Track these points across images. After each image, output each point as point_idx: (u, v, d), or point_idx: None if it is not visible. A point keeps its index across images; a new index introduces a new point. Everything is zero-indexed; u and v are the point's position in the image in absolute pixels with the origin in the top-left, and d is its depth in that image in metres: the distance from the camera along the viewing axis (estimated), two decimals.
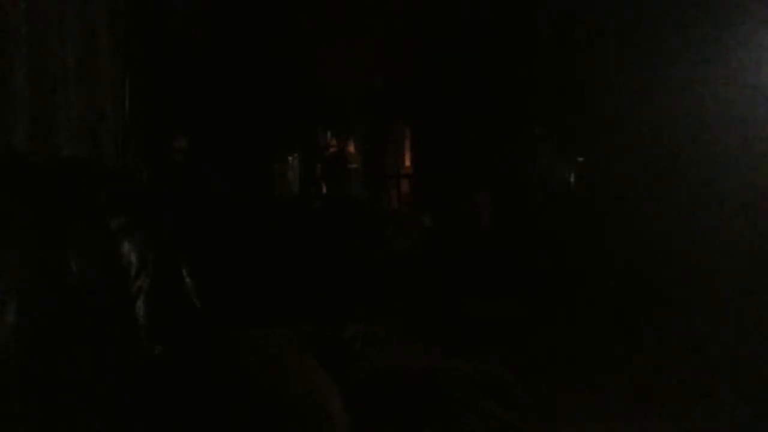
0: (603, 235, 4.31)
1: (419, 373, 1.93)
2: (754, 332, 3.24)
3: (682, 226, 3.93)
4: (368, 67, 5.07)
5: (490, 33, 4.91)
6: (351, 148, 5.71)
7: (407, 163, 5.77)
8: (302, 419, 1.36)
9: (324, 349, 1.75)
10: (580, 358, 3.27)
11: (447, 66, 5.09)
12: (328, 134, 5.61)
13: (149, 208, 1.51)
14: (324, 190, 5.22)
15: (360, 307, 3.36)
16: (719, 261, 3.71)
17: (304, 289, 3.54)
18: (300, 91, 5.00)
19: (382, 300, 3.69)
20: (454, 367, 2.00)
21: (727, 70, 3.76)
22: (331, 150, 5.58)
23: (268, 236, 3.86)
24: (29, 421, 1.17)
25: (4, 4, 1.91)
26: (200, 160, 3.97)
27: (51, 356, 1.21)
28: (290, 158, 5.32)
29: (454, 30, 4.95)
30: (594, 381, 3.00)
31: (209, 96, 4.00)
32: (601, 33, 4.31)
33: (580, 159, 4.82)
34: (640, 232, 4.11)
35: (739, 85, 3.73)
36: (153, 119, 2.65)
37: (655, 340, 3.42)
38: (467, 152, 5.15)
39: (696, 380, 2.94)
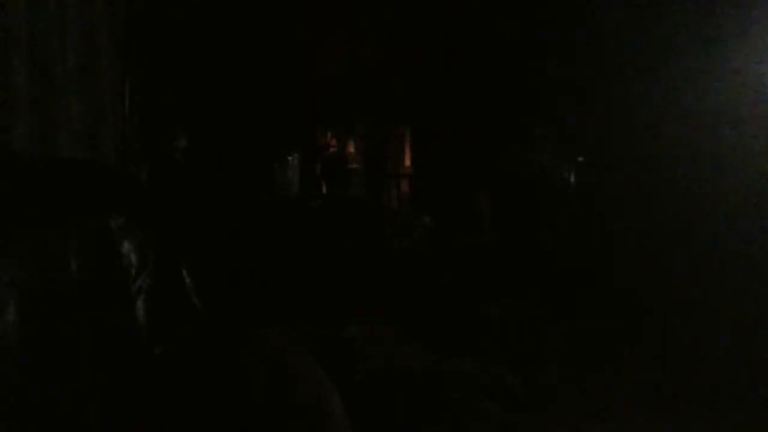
0: (603, 235, 4.31)
1: (419, 374, 1.93)
2: (755, 332, 3.24)
3: (683, 226, 3.93)
4: (368, 66, 5.06)
5: (491, 32, 4.91)
6: (351, 148, 5.71)
7: (407, 163, 5.77)
8: (302, 419, 1.36)
9: (324, 349, 1.75)
10: (581, 358, 3.27)
11: (447, 66, 5.09)
12: (328, 134, 5.61)
13: (149, 208, 1.51)
14: (324, 190, 5.22)
15: (360, 307, 3.35)
16: (720, 260, 3.71)
17: (304, 288, 3.54)
18: (300, 90, 5.00)
19: (382, 300, 3.69)
20: (454, 367, 2.00)
21: (728, 69, 3.76)
22: (331, 150, 5.58)
23: (268, 236, 3.86)
24: (29, 421, 1.17)
25: (4, 4, 1.91)
26: (200, 160, 3.97)
27: (51, 356, 1.21)
28: (290, 158, 5.32)
29: (454, 29, 4.95)
30: (594, 381, 3.00)
31: (209, 96, 4.00)
32: (601, 31, 4.31)
33: (580, 159, 4.82)
34: (641, 231, 4.11)
35: (739, 84, 3.73)
36: (153, 119, 2.65)
37: (656, 339, 3.42)
38: (467, 152, 5.15)
39: (697, 380, 2.94)
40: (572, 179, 4.83)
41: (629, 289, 3.94)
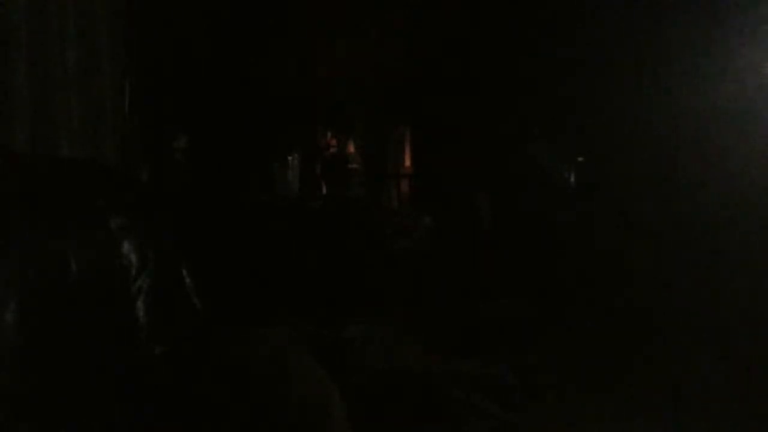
0: (604, 235, 4.31)
1: (419, 374, 1.94)
2: (755, 334, 3.24)
3: (683, 226, 3.93)
4: (368, 66, 5.07)
5: (490, 32, 4.91)
6: (351, 148, 5.71)
7: (407, 163, 5.78)
8: (302, 419, 1.36)
9: (324, 349, 1.75)
10: (581, 359, 3.27)
11: (447, 66, 5.09)
12: (328, 134, 5.62)
13: (149, 208, 1.51)
14: (324, 190, 5.22)
15: (360, 308, 3.36)
16: (720, 261, 3.71)
17: (304, 288, 3.54)
18: (300, 91, 5.01)
19: (383, 300, 3.69)
20: (454, 368, 2.01)
21: (728, 68, 3.76)
22: (331, 150, 5.58)
23: (268, 236, 3.86)
24: (29, 420, 1.17)
25: (4, 4, 1.91)
26: (201, 160, 3.97)
27: (50, 356, 1.21)
28: (290, 158, 5.32)
29: (453, 30, 4.95)
30: (594, 381, 3.00)
31: (209, 96, 4.00)
32: (601, 31, 4.31)
33: (580, 159, 4.82)
34: (641, 231, 4.11)
35: (740, 83, 3.73)
36: (153, 119, 2.65)
37: (656, 341, 3.42)
38: (467, 152, 5.15)
39: (697, 381, 2.94)
40: (572, 179, 4.83)
41: (629, 289, 3.94)
